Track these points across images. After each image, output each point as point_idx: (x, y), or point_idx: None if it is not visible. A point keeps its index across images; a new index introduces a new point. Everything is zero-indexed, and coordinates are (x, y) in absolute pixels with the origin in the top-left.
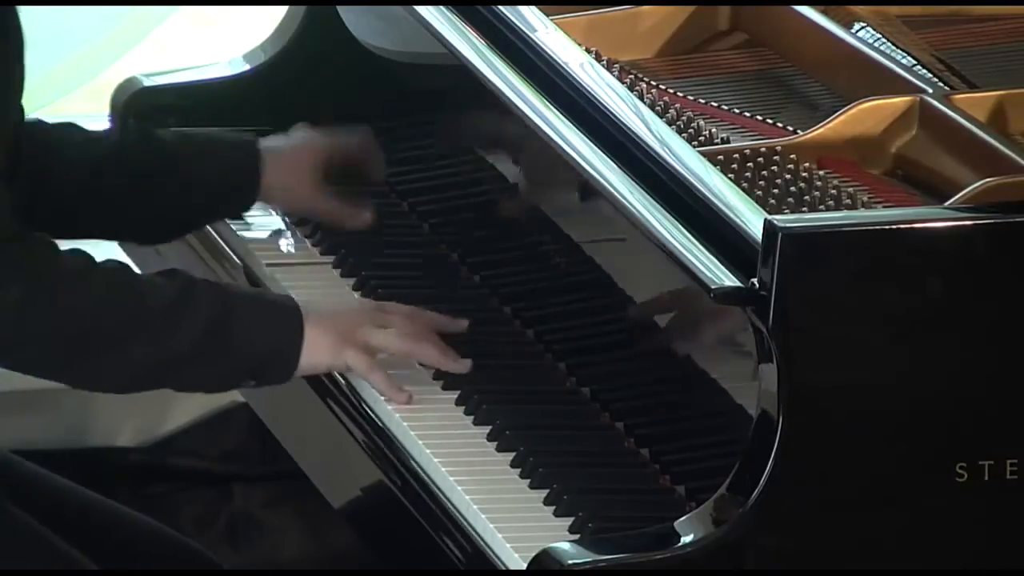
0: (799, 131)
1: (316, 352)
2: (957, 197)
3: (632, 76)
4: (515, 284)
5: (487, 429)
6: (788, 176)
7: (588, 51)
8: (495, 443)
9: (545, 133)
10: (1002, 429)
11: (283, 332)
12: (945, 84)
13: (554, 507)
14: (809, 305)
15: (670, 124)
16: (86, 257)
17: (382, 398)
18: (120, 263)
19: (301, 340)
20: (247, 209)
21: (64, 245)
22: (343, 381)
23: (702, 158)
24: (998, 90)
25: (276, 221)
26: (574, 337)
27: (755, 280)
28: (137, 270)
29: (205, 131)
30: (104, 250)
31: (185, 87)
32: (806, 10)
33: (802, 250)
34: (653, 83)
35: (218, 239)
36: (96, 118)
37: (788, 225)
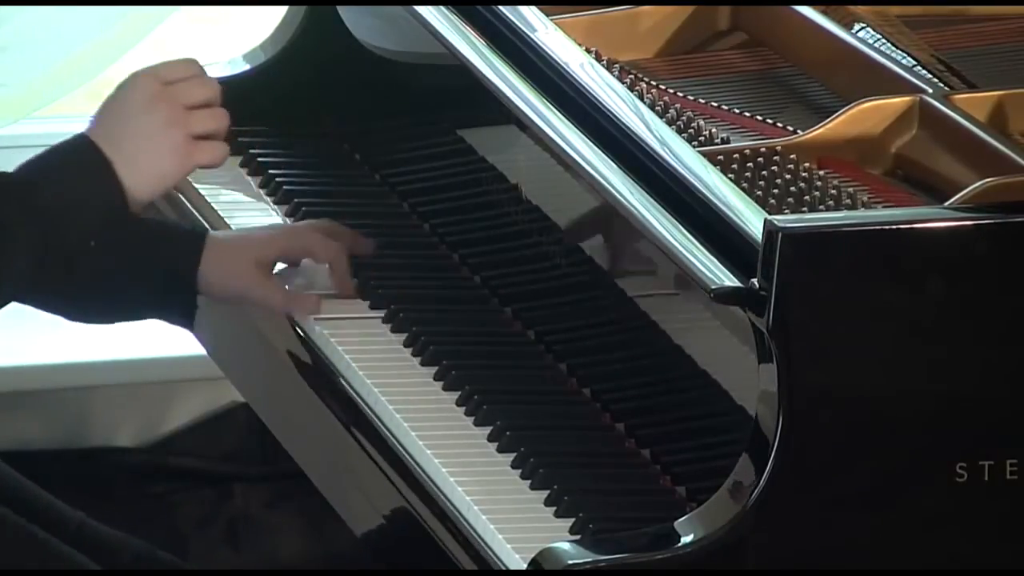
0: (799, 131)
1: (218, 274)
2: (957, 197)
3: (632, 76)
4: (516, 285)
5: (488, 430)
6: (788, 176)
7: (588, 51)
8: (496, 444)
9: (545, 133)
10: (1002, 429)
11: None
12: (945, 84)
13: (555, 508)
14: (809, 305)
15: (670, 124)
16: None
17: (383, 399)
18: None
19: (198, 259)
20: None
21: None
22: (343, 381)
23: (702, 158)
24: (998, 90)
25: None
26: (575, 338)
27: (755, 280)
28: None
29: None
30: None
31: None
32: (806, 10)
33: (802, 250)
34: (653, 83)
35: None
36: None
37: (788, 225)
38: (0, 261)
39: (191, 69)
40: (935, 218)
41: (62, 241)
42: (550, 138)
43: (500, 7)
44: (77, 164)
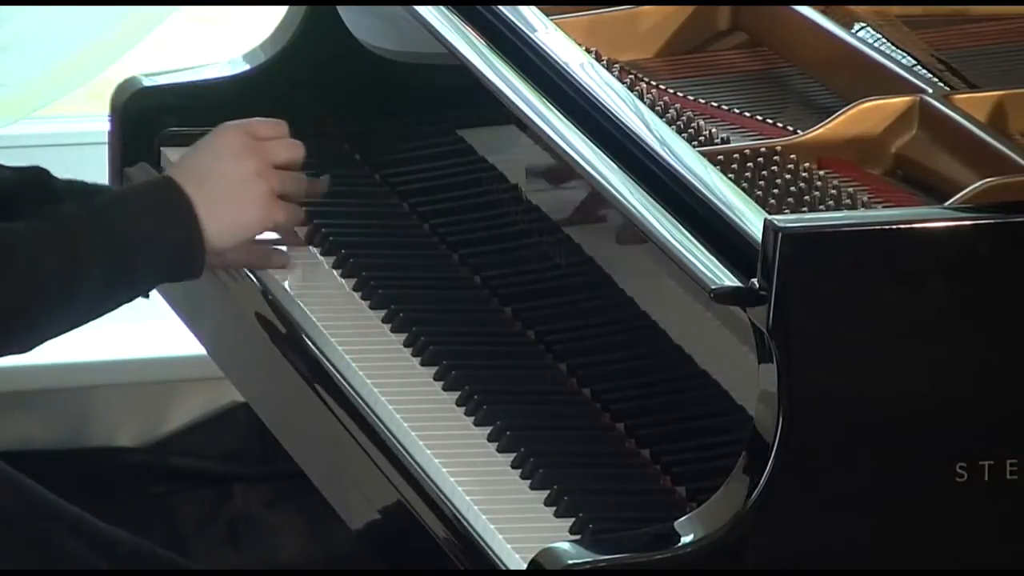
0: (799, 131)
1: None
2: (957, 197)
3: (632, 76)
4: (516, 284)
5: (488, 430)
6: (788, 176)
7: (588, 51)
8: (496, 444)
9: (545, 133)
10: (1002, 429)
11: (180, 229)
12: (945, 84)
13: (555, 508)
14: (809, 305)
15: (670, 124)
16: None
17: (384, 399)
18: None
19: (199, 229)
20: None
21: None
22: (343, 381)
23: (702, 158)
24: (998, 90)
25: None
26: (575, 338)
27: (755, 280)
28: None
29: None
30: None
31: (185, 87)
32: (806, 10)
33: (802, 250)
34: (653, 83)
35: None
36: (96, 118)
37: (788, 225)
38: (74, 291)
39: (280, 130)
40: (935, 218)
41: (133, 277)
42: (550, 138)
43: (500, 7)
44: (158, 201)
